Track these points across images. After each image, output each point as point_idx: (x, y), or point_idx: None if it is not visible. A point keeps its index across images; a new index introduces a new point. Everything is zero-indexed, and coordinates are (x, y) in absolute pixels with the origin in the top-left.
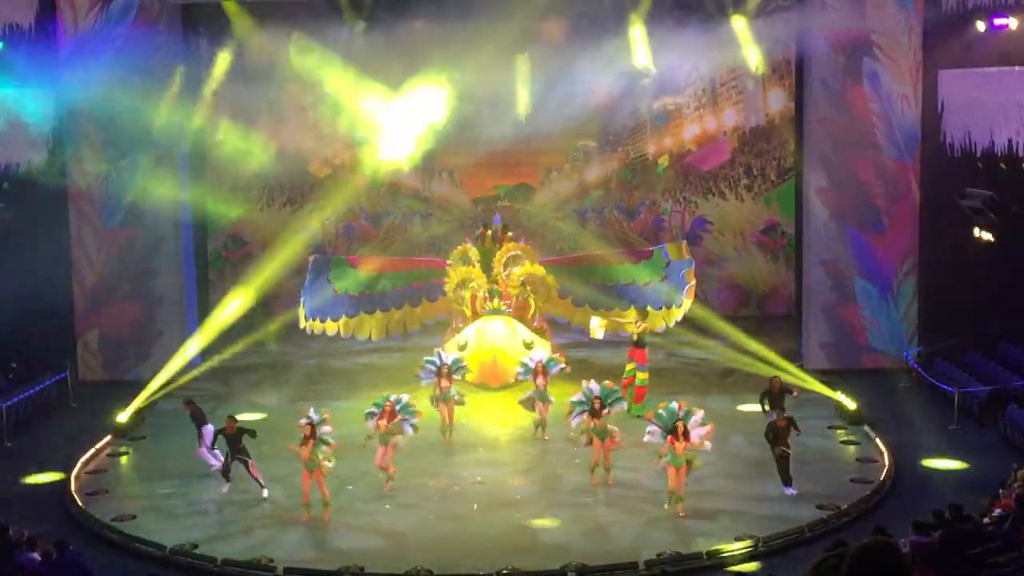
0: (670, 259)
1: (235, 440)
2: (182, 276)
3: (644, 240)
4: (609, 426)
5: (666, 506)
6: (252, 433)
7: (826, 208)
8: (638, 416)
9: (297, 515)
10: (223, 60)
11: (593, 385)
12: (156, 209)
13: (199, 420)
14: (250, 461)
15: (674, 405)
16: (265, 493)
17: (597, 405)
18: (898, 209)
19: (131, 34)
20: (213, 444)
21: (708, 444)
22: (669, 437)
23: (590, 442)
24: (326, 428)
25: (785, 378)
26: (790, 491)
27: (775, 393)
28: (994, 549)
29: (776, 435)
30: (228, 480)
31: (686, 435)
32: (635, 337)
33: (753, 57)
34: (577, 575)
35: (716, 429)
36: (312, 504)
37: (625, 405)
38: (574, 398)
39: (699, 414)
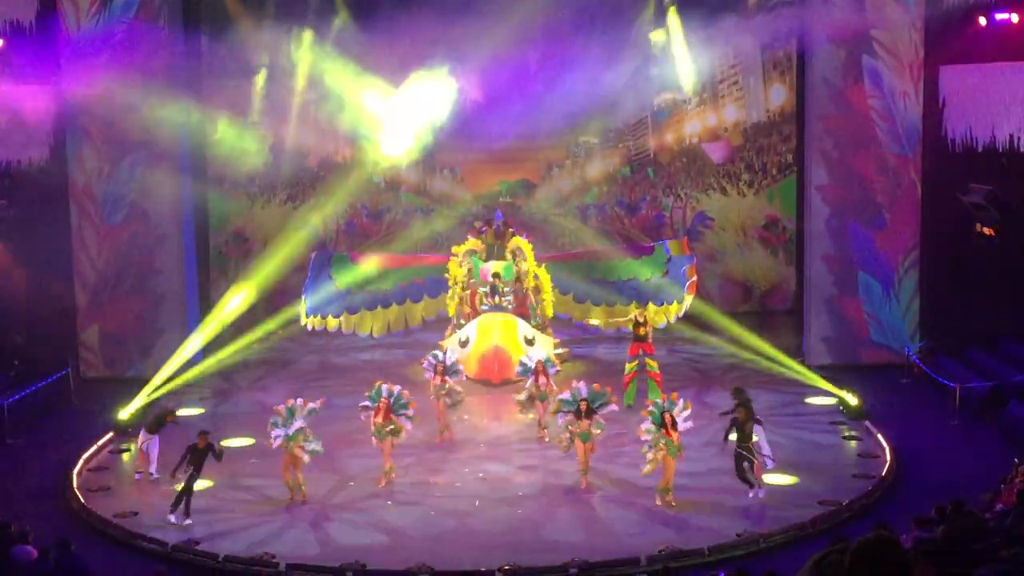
0: (671, 255)
1: (201, 455)
2: (183, 273)
3: (645, 236)
4: (595, 431)
5: (673, 503)
6: (217, 455)
7: (827, 204)
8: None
9: (298, 512)
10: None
11: (582, 386)
12: (157, 206)
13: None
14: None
15: (667, 403)
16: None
17: (583, 407)
18: (899, 205)
19: (132, 31)
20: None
21: (690, 423)
22: (662, 430)
23: (570, 445)
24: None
25: (787, 373)
26: (759, 493)
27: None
28: (996, 544)
29: (739, 430)
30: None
31: (674, 424)
32: (641, 332)
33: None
34: (579, 571)
35: (717, 426)
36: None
37: (615, 407)
38: (561, 396)
39: (680, 401)
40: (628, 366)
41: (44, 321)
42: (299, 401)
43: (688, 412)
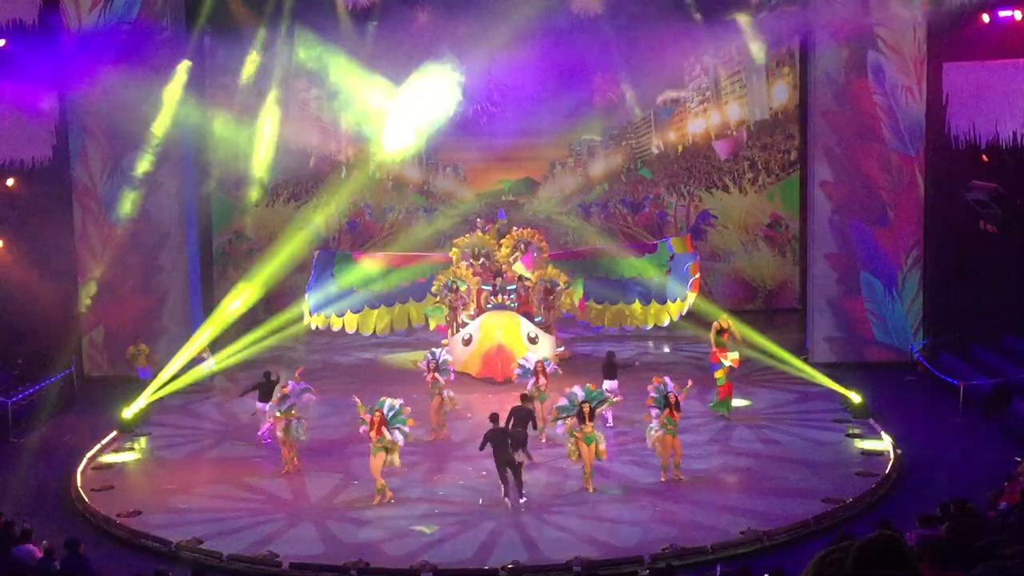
0: (674, 253)
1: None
2: (186, 272)
3: (648, 234)
4: (597, 433)
5: (662, 478)
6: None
7: (831, 201)
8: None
9: (302, 511)
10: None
11: (576, 390)
12: (160, 205)
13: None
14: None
15: (662, 385)
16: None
17: (587, 410)
18: (903, 202)
19: (134, 30)
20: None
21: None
22: (666, 411)
23: (577, 452)
24: (308, 396)
25: (790, 372)
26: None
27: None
28: (1000, 542)
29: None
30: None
31: (677, 405)
32: (725, 339)
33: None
34: (582, 569)
35: (719, 424)
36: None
37: (612, 403)
38: (558, 404)
39: (669, 380)
40: (719, 375)
41: (48, 320)
42: (292, 385)
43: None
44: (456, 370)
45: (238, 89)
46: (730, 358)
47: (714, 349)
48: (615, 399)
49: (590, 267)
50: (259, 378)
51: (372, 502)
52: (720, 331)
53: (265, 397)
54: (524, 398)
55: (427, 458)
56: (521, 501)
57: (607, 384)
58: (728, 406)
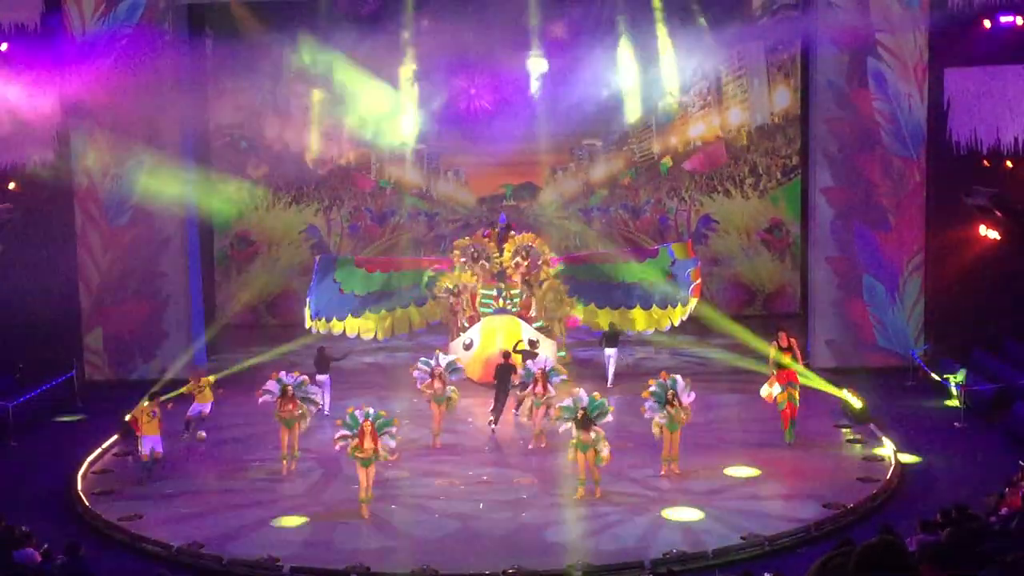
0: (675, 258)
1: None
2: (187, 275)
3: (649, 239)
4: (602, 451)
5: (663, 472)
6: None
7: (832, 206)
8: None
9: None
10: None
11: (582, 394)
12: (162, 208)
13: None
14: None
15: (668, 381)
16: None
17: (581, 416)
18: (904, 207)
19: (137, 34)
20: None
21: (692, 394)
22: (667, 407)
23: (575, 455)
24: (311, 388)
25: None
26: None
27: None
28: (1002, 548)
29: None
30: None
31: (675, 400)
32: (787, 360)
33: None
34: (583, 574)
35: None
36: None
37: (611, 418)
38: (562, 403)
39: (680, 380)
40: (780, 399)
41: (49, 324)
42: (283, 375)
43: (690, 390)
44: None
45: (240, 93)
46: (774, 392)
47: (773, 372)
48: (610, 408)
49: (591, 272)
50: (315, 354)
51: (363, 516)
52: (782, 350)
53: (321, 369)
54: (506, 355)
55: (427, 461)
56: (490, 427)
57: (608, 352)
58: (790, 433)
